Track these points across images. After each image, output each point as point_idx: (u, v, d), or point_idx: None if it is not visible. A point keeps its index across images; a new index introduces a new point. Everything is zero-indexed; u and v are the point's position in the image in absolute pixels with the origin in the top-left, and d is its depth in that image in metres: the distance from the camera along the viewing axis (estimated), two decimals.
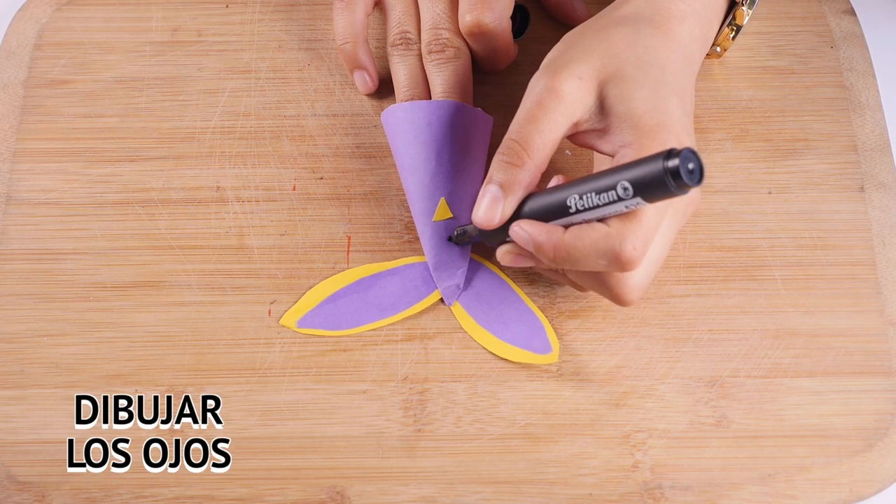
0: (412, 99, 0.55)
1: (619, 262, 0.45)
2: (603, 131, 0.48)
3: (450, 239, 0.54)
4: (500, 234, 0.50)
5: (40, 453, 0.51)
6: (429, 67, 0.56)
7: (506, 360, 0.53)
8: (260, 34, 0.61)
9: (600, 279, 0.48)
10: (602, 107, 0.48)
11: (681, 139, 0.46)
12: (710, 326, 0.53)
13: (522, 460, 0.51)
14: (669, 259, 0.55)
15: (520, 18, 0.60)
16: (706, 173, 0.42)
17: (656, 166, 0.41)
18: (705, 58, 0.59)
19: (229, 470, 0.51)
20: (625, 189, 0.43)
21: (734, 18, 0.55)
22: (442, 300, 0.54)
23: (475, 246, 0.55)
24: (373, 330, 0.53)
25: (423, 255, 0.55)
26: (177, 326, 0.54)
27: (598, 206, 0.45)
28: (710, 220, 0.56)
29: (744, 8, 0.54)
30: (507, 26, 0.55)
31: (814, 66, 0.60)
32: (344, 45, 0.57)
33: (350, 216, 0.56)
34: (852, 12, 0.61)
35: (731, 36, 0.56)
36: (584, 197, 0.45)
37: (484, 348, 0.53)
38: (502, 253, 0.50)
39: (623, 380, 0.52)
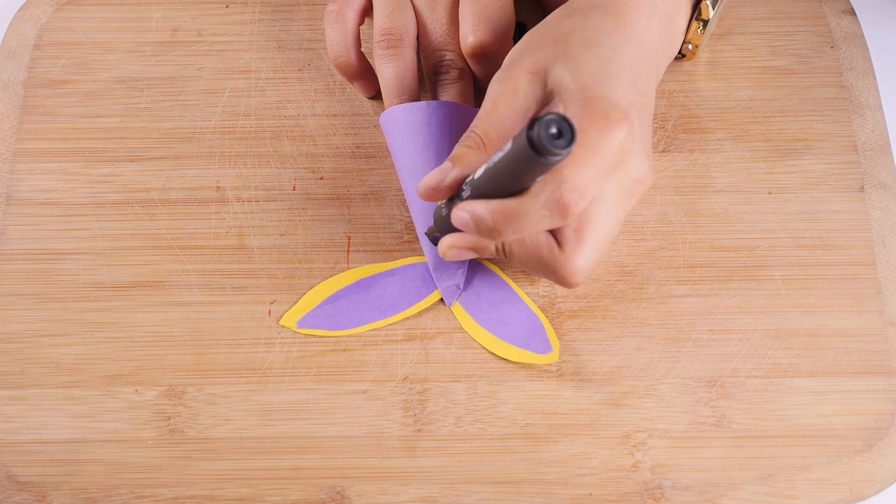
0: (401, 103, 0.55)
1: (562, 206, 0.44)
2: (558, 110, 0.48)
3: (426, 234, 0.53)
4: (450, 223, 0.49)
5: (40, 453, 0.51)
6: (433, 89, 0.56)
7: (506, 360, 0.53)
8: (260, 34, 0.61)
9: (544, 261, 0.47)
10: (550, 93, 0.48)
11: (629, 115, 0.46)
12: (710, 326, 0.53)
13: (522, 460, 0.51)
14: (669, 259, 0.55)
15: (518, 36, 0.59)
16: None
17: (521, 137, 0.41)
18: (682, 60, 0.59)
19: (229, 470, 0.51)
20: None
21: (700, 13, 0.55)
22: (442, 300, 0.54)
23: None
24: (373, 330, 0.53)
25: (423, 255, 0.55)
26: (177, 326, 0.54)
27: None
28: (710, 220, 0.56)
29: (707, 2, 0.54)
30: (508, 48, 0.55)
31: (814, 66, 0.60)
32: (338, 60, 0.57)
33: (350, 216, 0.56)
34: (852, 12, 0.61)
35: (699, 30, 0.56)
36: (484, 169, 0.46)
37: (484, 348, 0.53)
38: (444, 248, 0.50)
39: (623, 380, 0.52)
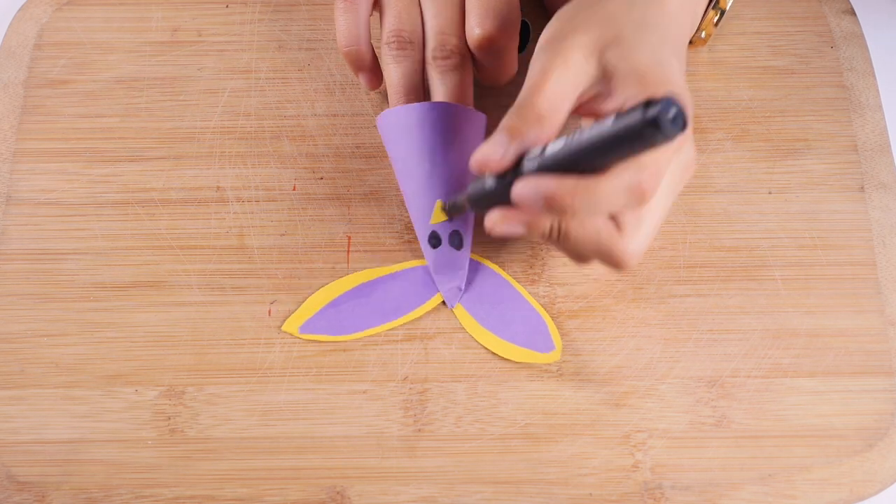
0: (406, 103, 0.55)
1: (641, 191, 0.44)
2: (606, 94, 0.47)
3: (442, 209, 0.52)
4: (495, 198, 0.47)
5: (40, 453, 0.51)
6: (432, 73, 0.55)
7: (508, 360, 0.53)
8: (260, 34, 0.61)
9: (602, 245, 0.46)
10: (604, 72, 0.47)
11: (685, 98, 0.46)
12: (710, 326, 0.53)
13: (522, 460, 0.51)
14: (669, 259, 0.55)
15: (522, 34, 0.59)
16: (689, 125, 0.41)
17: (636, 116, 0.40)
18: (690, 45, 0.59)
19: (229, 470, 0.51)
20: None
21: (718, 2, 0.55)
22: (444, 303, 0.54)
23: (476, 246, 0.55)
24: (376, 334, 0.53)
25: (423, 257, 0.55)
26: (177, 326, 0.54)
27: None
28: (710, 220, 0.56)
29: None
30: (515, 42, 0.55)
31: (814, 66, 0.60)
32: (348, 49, 0.56)
33: (350, 216, 0.56)
34: (852, 12, 0.61)
35: (715, 20, 0.56)
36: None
37: (486, 349, 0.53)
38: (494, 219, 0.47)
39: (623, 380, 0.52)
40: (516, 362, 0.53)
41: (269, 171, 0.57)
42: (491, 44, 0.54)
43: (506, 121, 0.46)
